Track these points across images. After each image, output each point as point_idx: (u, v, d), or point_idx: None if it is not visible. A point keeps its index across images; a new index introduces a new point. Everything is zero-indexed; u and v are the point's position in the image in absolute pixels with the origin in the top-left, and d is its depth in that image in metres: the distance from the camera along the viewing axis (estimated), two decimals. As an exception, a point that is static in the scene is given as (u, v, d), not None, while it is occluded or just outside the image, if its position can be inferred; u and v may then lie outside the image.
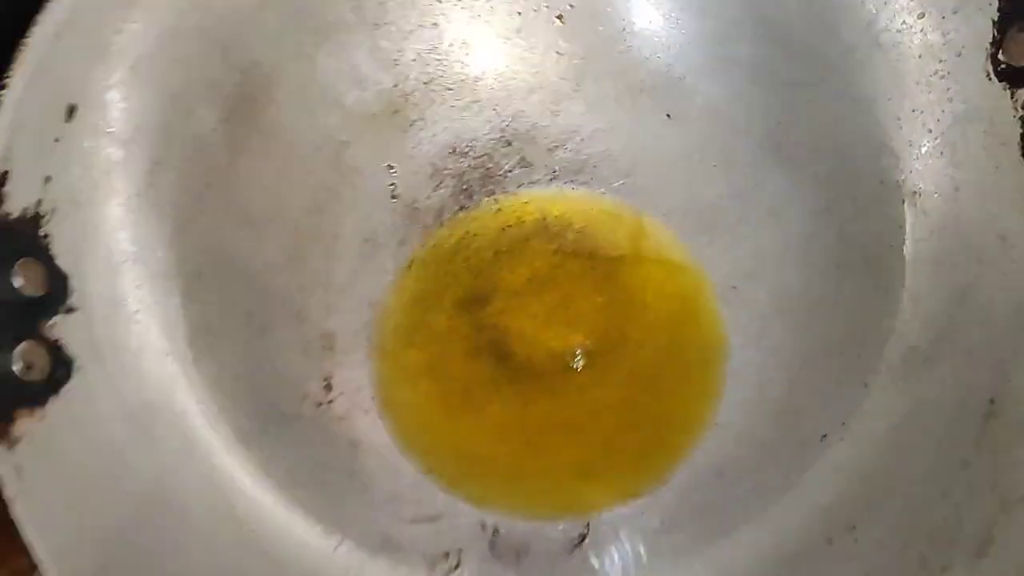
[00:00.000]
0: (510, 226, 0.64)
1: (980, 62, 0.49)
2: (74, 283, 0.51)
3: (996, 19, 0.48)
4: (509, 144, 0.66)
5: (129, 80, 0.53)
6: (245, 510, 0.54)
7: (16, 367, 0.46)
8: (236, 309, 0.58)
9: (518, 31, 0.64)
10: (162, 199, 0.55)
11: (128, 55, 0.53)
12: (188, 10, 0.55)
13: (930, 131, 0.53)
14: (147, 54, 0.54)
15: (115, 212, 0.54)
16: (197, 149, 0.57)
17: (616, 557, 0.57)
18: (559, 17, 0.64)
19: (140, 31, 0.53)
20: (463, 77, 0.65)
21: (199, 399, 0.55)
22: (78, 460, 0.48)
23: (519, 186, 0.65)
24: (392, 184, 0.64)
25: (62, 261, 0.50)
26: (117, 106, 0.53)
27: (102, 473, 0.49)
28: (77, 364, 0.50)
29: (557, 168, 0.65)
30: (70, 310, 0.50)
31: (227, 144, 0.58)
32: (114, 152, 0.53)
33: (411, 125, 0.65)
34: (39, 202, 0.49)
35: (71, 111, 0.51)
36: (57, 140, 0.50)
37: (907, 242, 0.55)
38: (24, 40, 0.48)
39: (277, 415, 0.58)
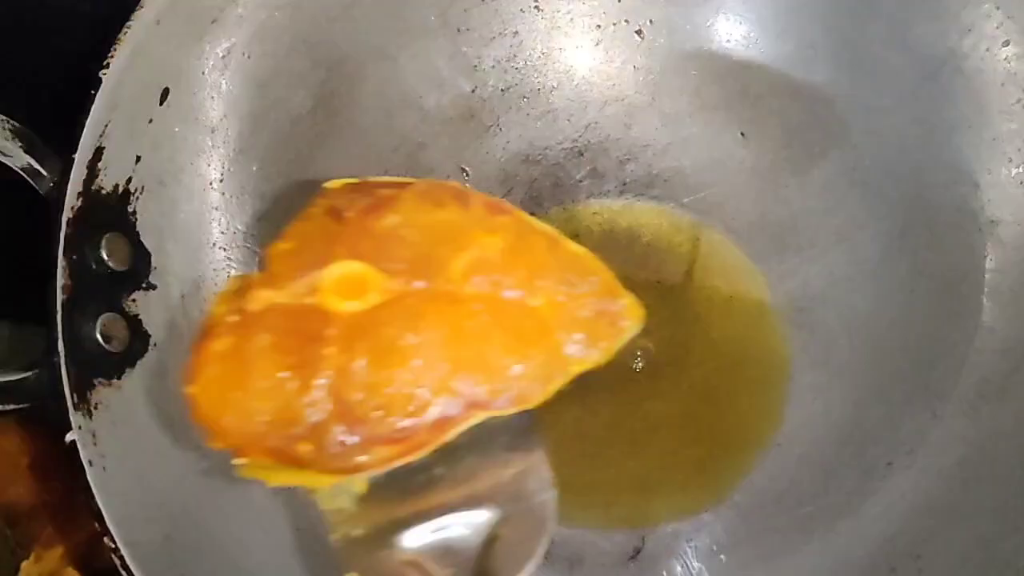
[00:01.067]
0: (578, 235, 0.64)
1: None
2: (156, 261, 0.52)
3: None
4: (581, 155, 0.66)
5: (221, 69, 0.55)
6: (308, 510, 0.54)
7: (98, 337, 0.47)
8: (306, 299, 0.59)
9: (597, 43, 0.65)
10: (244, 186, 0.57)
11: (221, 45, 0.55)
12: (280, 6, 0.57)
13: (1010, 160, 0.53)
14: (239, 45, 0.55)
15: (199, 196, 0.55)
16: (280, 140, 0.58)
17: (670, 573, 0.56)
18: (638, 32, 0.65)
19: (234, 23, 0.55)
20: (540, 86, 0.66)
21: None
22: (149, 433, 0.48)
23: (589, 197, 0.66)
24: (465, 187, 0.65)
25: (146, 239, 0.52)
26: (207, 93, 0.55)
27: (171, 448, 0.49)
28: (153, 340, 0.51)
29: (628, 180, 0.66)
30: (150, 287, 0.52)
31: (308, 137, 0.60)
32: (202, 137, 0.55)
33: (486, 131, 0.66)
34: (129, 180, 0.50)
35: (165, 95, 0.52)
36: (150, 122, 0.52)
37: (984, 272, 0.54)
38: (126, 24, 0.50)
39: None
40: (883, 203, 0.59)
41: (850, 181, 0.61)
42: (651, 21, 0.64)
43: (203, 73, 0.55)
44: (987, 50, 0.54)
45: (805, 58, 0.61)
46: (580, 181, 0.66)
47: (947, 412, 0.54)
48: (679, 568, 0.56)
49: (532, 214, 0.63)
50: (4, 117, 0.47)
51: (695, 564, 0.56)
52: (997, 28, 0.54)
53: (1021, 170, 0.53)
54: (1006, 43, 0.53)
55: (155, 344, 0.51)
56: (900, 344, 0.57)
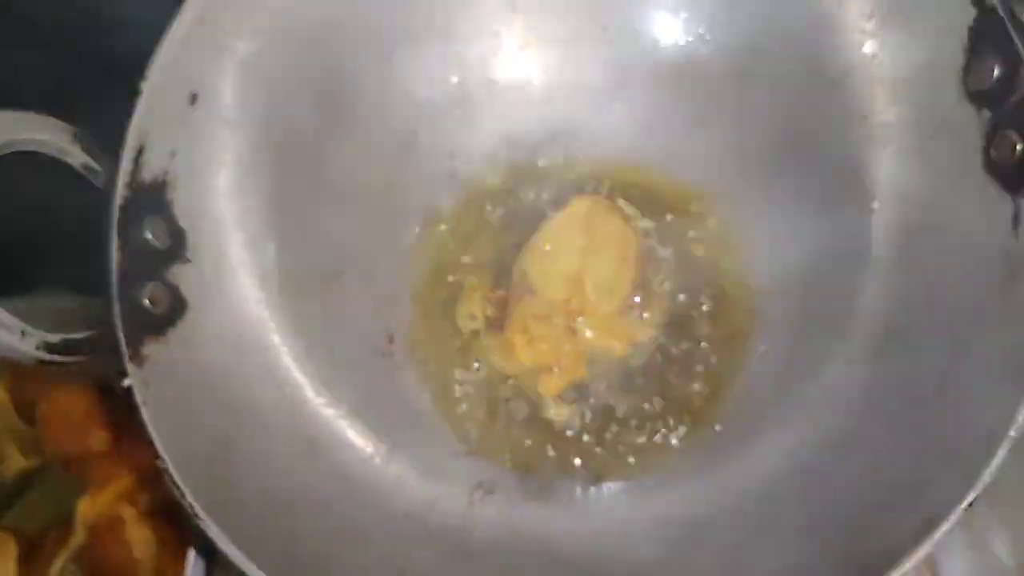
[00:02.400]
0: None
1: (955, 84, 0.57)
2: (190, 239, 0.62)
3: (966, 47, 0.56)
4: (555, 139, 0.76)
5: (240, 75, 0.64)
6: (316, 430, 0.65)
7: (145, 302, 0.58)
8: (317, 268, 0.70)
9: (568, 39, 0.74)
10: (262, 174, 0.67)
11: (241, 54, 0.64)
12: (291, 19, 0.66)
13: (912, 143, 0.62)
14: (255, 53, 0.65)
15: (224, 182, 0.65)
16: (292, 134, 0.68)
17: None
18: (604, 28, 0.73)
19: (250, 35, 0.65)
20: (518, 78, 0.75)
21: (283, 341, 0.67)
22: (190, 378, 0.59)
23: (564, 176, 0.75)
24: (453, 170, 0.75)
25: (182, 220, 0.62)
26: (229, 96, 0.64)
27: (208, 388, 0.60)
28: (190, 304, 0.61)
29: (599, 161, 0.75)
30: (187, 260, 0.62)
31: (317, 131, 0.69)
32: (225, 133, 0.65)
33: (471, 119, 0.75)
34: (166, 171, 0.60)
35: (193, 98, 0.62)
36: (182, 122, 0.62)
37: (888, 239, 0.64)
38: (161, 39, 0.59)
39: (350, 360, 0.69)
40: (816, 179, 0.69)
41: (788, 159, 0.70)
42: (615, 18, 0.73)
43: (226, 79, 0.64)
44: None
45: (747, 48, 0.70)
46: (556, 162, 0.75)
47: (858, 358, 0.63)
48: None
49: (512, 192, 0.74)
50: (65, 124, 0.58)
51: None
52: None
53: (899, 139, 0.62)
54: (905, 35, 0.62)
55: (191, 307, 0.61)
56: (820, 300, 0.67)
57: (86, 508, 0.69)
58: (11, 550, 0.67)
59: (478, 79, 0.75)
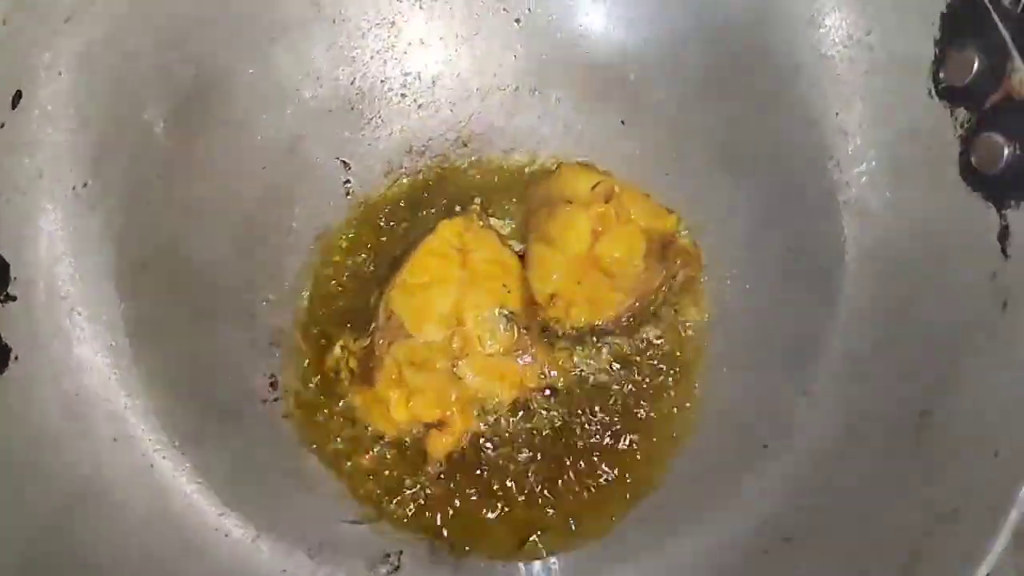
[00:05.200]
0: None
1: (924, 80, 0.50)
2: (15, 272, 0.50)
3: (938, 38, 0.48)
4: (465, 145, 0.66)
5: (79, 67, 0.53)
6: (182, 507, 0.53)
7: (-50, 353, 0.46)
8: (182, 303, 0.58)
9: (476, 32, 0.64)
10: (110, 188, 0.55)
11: (78, 43, 0.52)
12: (143, 4, 0.54)
13: (875, 147, 0.54)
14: (98, 43, 0.53)
15: (60, 201, 0.53)
16: (147, 140, 0.56)
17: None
18: (517, 20, 0.64)
19: (91, 19, 0.53)
20: (420, 76, 0.65)
21: (139, 393, 0.55)
22: (11, 451, 0.47)
23: (474, 186, 0.65)
24: (347, 180, 0.64)
25: (4, 250, 0.50)
26: (66, 93, 0.52)
27: (36, 465, 0.48)
28: (14, 354, 0.49)
29: (512, 169, 0.65)
30: (10, 299, 0.50)
31: (179, 136, 0.58)
32: (61, 139, 0.53)
33: (367, 122, 0.65)
34: (-19, 188, 0.48)
35: (17, 97, 0.50)
36: (2, 126, 0.50)
37: (850, 256, 0.55)
38: (-31, 24, 0.48)
39: (220, 412, 0.57)
40: (756, 189, 0.60)
41: (725, 167, 0.61)
42: (529, 9, 0.64)
43: (60, 74, 0.52)
44: (851, 37, 0.55)
45: (680, 44, 0.61)
46: (465, 171, 0.66)
47: (820, 392, 0.55)
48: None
49: (418, 206, 0.64)
50: None
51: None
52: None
53: (885, 157, 0.54)
54: (868, 32, 0.54)
55: (17, 357, 0.49)
56: (774, 327, 0.58)
57: None
58: None
59: (374, 77, 0.64)
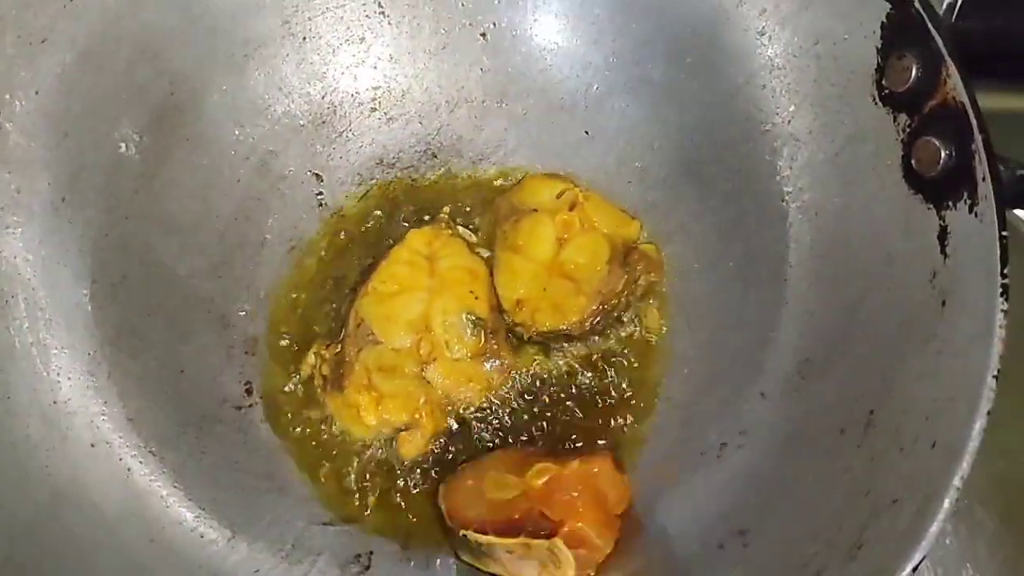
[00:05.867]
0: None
1: (868, 87, 0.52)
2: (-9, 283, 0.52)
3: (879, 47, 0.50)
4: (435, 156, 0.68)
5: (57, 86, 0.55)
6: (158, 512, 0.55)
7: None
8: (159, 314, 0.60)
9: (444, 47, 0.66)
10: (87, 203, 0.57)
11: (56, 60, 0.55)
12: (116, 18, 0.56)
13: (824, 152, 0.56)
14: (73, 62, 0.55)
15: (38, 215, 0.55)
16: (123, 155, 0.58)
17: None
18: (483, 35, 0.66)
19: (67, 40, 0.55)
20: (390, 90, 0.67)
21: (116, 401, 0.56)
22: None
23: (444, 196, 0.67)
24: (319, 192, 0.66)
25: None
26: (43, 110, 0.55)
27: (14, 470, 0.50)
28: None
29: (481, 180, 0.67)
30: (-19, 310, 0.52)
31: (154, 151, 0.60)
32: (39, 155, 0.55)
33: (338, 136, 0.67)
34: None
35: (-5, 112, 0.52)
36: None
37: (803, 259, 0.57)
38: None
39: (196, 418, 0.59)
40: (717, 196, 0.62)
41: (688, 176, 0.63)
42: (494, 24, 0.66)
43: (37, 92, 0.54)
44: (800, 47, 0.56)
45: (641, 56, 0.63)
46: (435, 182, 0.67)
47: (775, 392, 0.56)
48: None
49: (390, 217, 0.66)
50: None
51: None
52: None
53: (833, 161, 0.55)
54: (816, 42, 0.55)
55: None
56: (734, 329, 0.60)
57: None
58: None
59: (344, 92, 0.66)
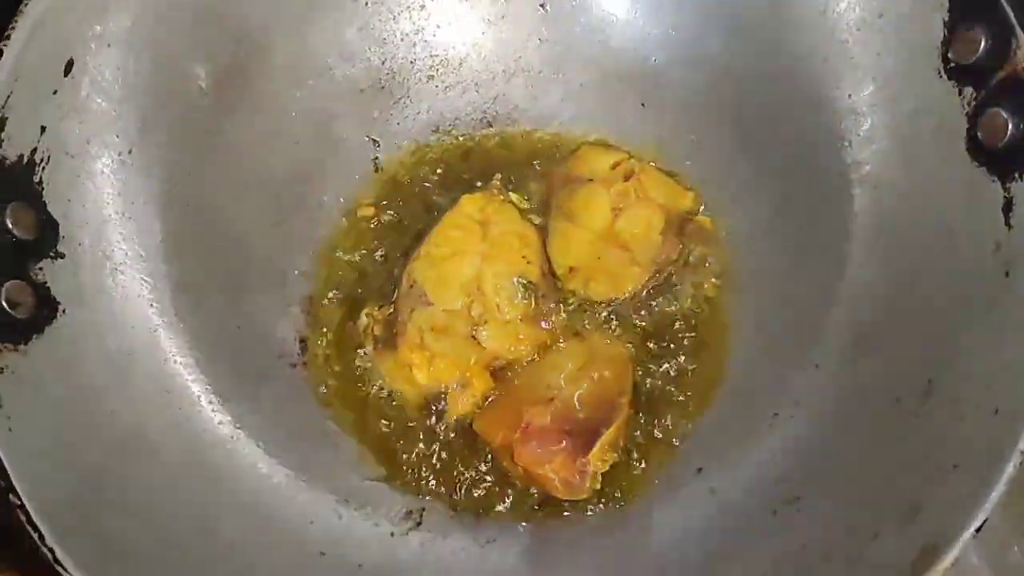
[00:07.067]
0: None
1: (933, 60, 0.52)
2: (64, 231, 0.53)
3: (947, 19, 0.50)
4: (490, 125, 0.68)
5: (127, 40, 0.55)
6: (216, 457, 0.56)
7: (2, 304, 0.48)
8: (220, 268, 0.61)
9: (503, 16, 0.67)
10: (153, 157, 0.58)
11: (127, 15, 0.55)
12: (185, -21, 0.57)
13: (886, 125, 0.56)
14: (145, 15, 0.56)
15: (107, 166, 0.56)
16: (188, 111, 0.59)
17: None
18: (543, 5, 0.67)
19: (140, -4, 0.56)
20: (448, 58, 0.68)
21: (178, 350, 0.57)
22: (58, 397, 0.49)
23: (498, 164, 0.68)
24: (375, 157, 0.67)
25: (54, 208, 0.52)
26: (114, 64, 0.55)
27: (81, 412, 0.51)
28: (62, 307, 0.52)
29: (535, 149, 0.68)
30: (59, 256, 0.52)
31: (218, 109, 0.61)
32: (109, 108, 0.55)
33: (396, 102, 0.67)
34: (34, 150, 0.51)
35: (69, 66, 0.53)
36: (55, 92, 0.52)
37: (861, 232, 0.57)
38: (26, -3, 0.50)
39: (253, 371, 0.60)
40: (772, 168, 0.62)
41: (743, 148, 0.63)
42: (556, -7, 0.66)
43: (109, 45, 0.55)
44: (864, 20, 0.57)
45: (701, 30, 0.64)
46: (490, 150, 0.68)
47: (829, 363, 0.57)
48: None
49: (444, 182, 0.67)
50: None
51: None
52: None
53: (895, 135, 0.56)
54: (880, 15, 0.56)
55: (64, 311, 0.52)
56: (789, 302, 0.60)
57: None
58: None
59: (403, 58, 0.67)
